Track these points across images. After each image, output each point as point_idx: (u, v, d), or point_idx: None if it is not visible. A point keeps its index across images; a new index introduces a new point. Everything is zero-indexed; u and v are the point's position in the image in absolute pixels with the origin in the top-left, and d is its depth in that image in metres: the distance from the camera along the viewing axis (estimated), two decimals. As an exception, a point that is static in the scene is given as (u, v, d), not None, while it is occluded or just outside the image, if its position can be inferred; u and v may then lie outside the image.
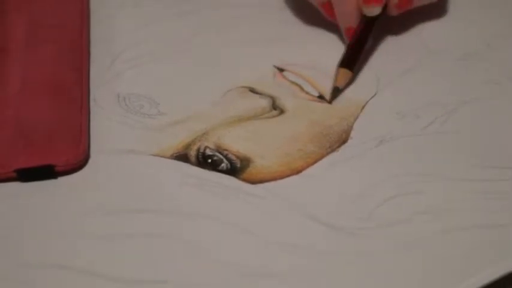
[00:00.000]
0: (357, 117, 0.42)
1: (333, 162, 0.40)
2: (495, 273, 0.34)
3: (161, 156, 0.40)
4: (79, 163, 0.39)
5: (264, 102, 0.43)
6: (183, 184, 0.39)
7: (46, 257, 0.36)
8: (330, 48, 0.46)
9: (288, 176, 0.39)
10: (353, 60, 0.44)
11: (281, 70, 0.45)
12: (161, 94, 0.43)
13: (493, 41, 0.46)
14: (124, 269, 0.35)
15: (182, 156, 0.40)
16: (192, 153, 0.40)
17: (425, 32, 0.46)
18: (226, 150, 0.40)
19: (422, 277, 0.35)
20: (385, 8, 0.45)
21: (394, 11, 0.45)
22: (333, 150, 0.40)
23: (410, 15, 0.47)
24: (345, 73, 0.44)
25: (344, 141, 0.41)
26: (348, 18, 0.45)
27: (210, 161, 0.40)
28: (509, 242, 0.36)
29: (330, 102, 0.43)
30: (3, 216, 0.37)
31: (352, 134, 0.41)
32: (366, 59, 0.45)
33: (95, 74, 0.44)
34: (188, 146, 0.41)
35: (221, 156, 0.40)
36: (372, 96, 0.43)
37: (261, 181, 0.39)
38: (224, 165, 0.40)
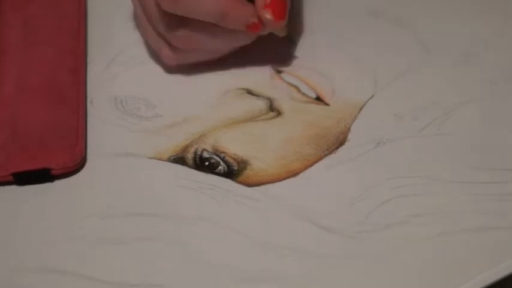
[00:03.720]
0: (354, 119, 0.42)
1: (330, 165, 0.40)
2: (493, 276, 0.34)
3: (158, 159, 0.40)
4: (75, 166, 0.39)
5: (261, 104, 0.43)
6: (180, 187, 0.39)
7: (42, 261, 0.36)
8: (328, 50, 0.46)
9: (285, 178, 0.39)
10: None
11: (278, 72, 0.45)
12: (158, 96, 0.43)
13: (489, 42, 0.46)
14: (120, 272, 0.35)
15: (179, 159, 0.40)
16: (189, 155, 0.40)
17: (422, 33, 0.46)
18: (223, 152, 0.40)
19: (419, 280, 0.35)
20: None
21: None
22: (330, 152, 0.40)
23: (407, 15, 0.47)
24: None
25: (341, 143, 0.41)
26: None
27: (207, 163, 0.40)
28: (507, 244, 0.36)
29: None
30: (-1, 219, 0.37)
31: (350, 135, 0.41)
32: (362, 60, 0.45)
33: (91, 76, 0.44)
34: (185, 149, 0.40)
35: (218, 159, 0.40)
36: (370, 98, 0.43)
37: (258, 184, 0.39)
38: (221, 167, 0.39)
